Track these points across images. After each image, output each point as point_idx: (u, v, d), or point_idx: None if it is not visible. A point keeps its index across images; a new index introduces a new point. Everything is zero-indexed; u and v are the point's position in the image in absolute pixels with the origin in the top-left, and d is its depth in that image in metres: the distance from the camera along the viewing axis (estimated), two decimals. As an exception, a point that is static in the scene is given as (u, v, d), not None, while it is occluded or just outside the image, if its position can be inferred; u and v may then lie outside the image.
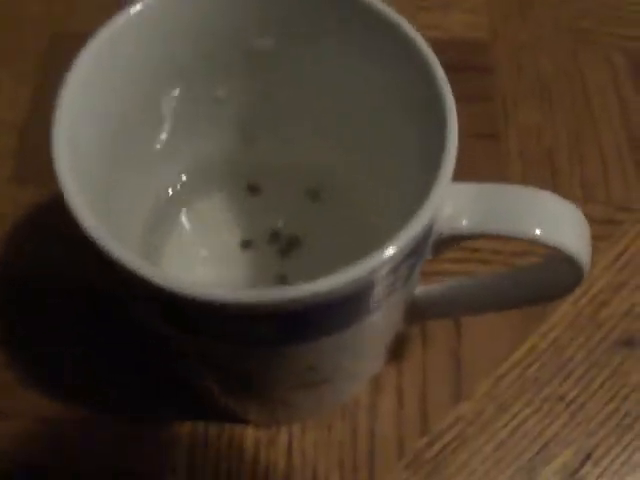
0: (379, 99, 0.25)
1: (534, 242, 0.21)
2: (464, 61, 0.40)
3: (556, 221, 0.21)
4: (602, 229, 0.36)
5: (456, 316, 0.33)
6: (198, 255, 0.31)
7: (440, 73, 0.22)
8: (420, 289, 0.27)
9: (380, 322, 0.24)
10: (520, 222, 0.21)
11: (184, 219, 0.31)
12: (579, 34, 0.42)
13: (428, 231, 0.20)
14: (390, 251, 0.19)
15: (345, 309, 0.21)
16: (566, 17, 0.43)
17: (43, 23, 0.43)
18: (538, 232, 0.21)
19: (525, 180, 0.37)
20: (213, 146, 0.30)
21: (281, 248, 0.31)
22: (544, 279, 0.25)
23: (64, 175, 0.20)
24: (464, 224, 0.21)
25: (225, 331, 0.22)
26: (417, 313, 0.27)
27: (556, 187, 0.37)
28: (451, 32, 0.40)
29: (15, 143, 0.38)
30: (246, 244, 0.31)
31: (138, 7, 0.24)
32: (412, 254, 0.21)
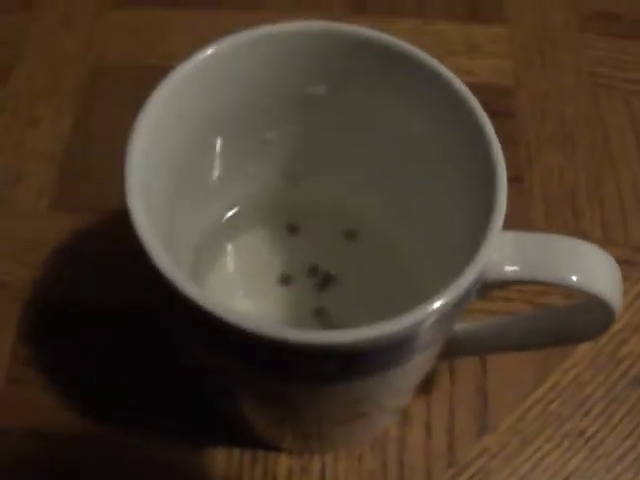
0: (426, 150, 0.27)
1: (573, 289, 0.23)
2: (489, 105, 0.41)
3: (593, 269, 0.23)
4: (621, 270, 0.37)
5: (489, 353, 0.34)
6: (239, 287, 0.32)
7: (489, 128, 0.23)
8: (458, 327, 0.28)
9: (421, 362, 0.25)
10: (561, 270, 0.23)
11: (228, 252, 0.32)
12: (598, 79, 0.44)
13: (477, 280, 0.22)
14: (441, 301, 0.21)
15: (392, 353, 0.23)
16: (585, 63, 0.44)
17: (81, 57, 0.44)
18: (577, 279, 0.23)
19: (549, 221, 0.38)
20: (258, 185, 0.31)
21: (318, 282, 0.32)
22: (577, 321, 0.26)
23: (136, 210, 0.22)
24: (510, 271, 0.22)
25: (277, 366, 0.23)
26: (452, 350, 0.28)
27: (577, 228, 0.38)
28: (476, 76, 0.42)
29: (55, 175, 0.40)
30: (285, 279, 0.32)
31: (200, 57, 0.25)
32: (460, 303, 0.22)
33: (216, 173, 0.29)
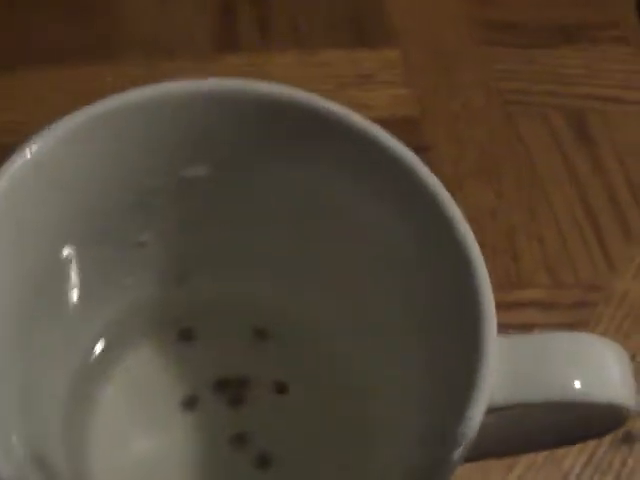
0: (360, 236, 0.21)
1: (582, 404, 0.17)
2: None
3: (600, 372, 0.17)
4: (575, 314, 0.32)
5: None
6: (133, 424, 0.25)
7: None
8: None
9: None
10: (562, 383, 0.17)
11: (111, 386, 0.25)
12: (509, 95, 0.39)
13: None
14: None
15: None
16: (492, 80, 0.40)
17: None
18: (584, 390, 0.17)
19: (490, 271, 0.33)
20: (135, 296, 0.24)
21: (231, 399, 0.26)
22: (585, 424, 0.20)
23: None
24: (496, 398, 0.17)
25: None
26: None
27: (520, 275, 0.33)
28: (375, 110, 0.37)
29: None
30: (189, 402, 0.26)
31: (38, 145, 0.18)
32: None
33: (73, 298, 0.22)
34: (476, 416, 0.16)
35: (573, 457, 0.30)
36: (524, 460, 0.29)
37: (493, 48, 0.40)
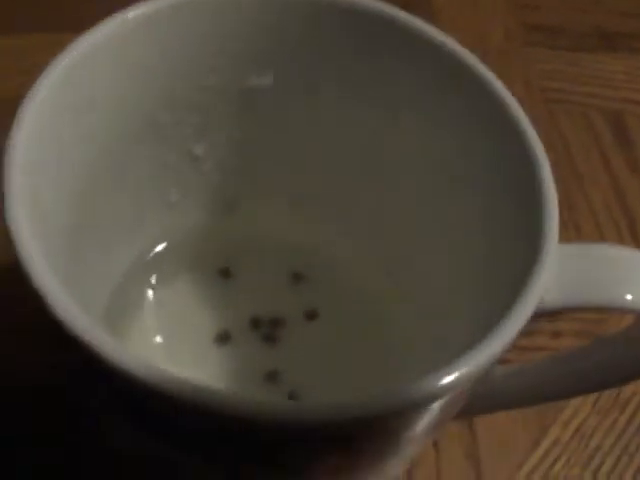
0: (436, 169, 0.21)
1: (628, 311, 0.17)
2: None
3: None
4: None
5: (521, 407, 0.27)
6: (165, 350, 0.25)
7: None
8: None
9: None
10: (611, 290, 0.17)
11: (149, 304, 0.25)
12: (551, 94, 0.39)
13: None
14: (482, 358, 0.15)
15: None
16: (535, 78, 0.40)
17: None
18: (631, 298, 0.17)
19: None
20: (182, 216, 0.24)
21: (264, 336, 0.26)
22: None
23: (27, 250, 0.15)
24: (554, 297, 0.17)
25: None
26: (474, 407, 0.22)
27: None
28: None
29: None
30: (222, 337, 0.26)
31: (105, 29, 0.19)
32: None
33: (130, 196, 0.22)
34: (528, 309, 0.16)
35: (602, 434, 0.29)
36: (551, 435, 0.29)
37: (537, 49, 0.41)
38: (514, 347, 0.29)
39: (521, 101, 0.38)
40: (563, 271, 0.17)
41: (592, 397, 0.30)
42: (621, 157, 0.38)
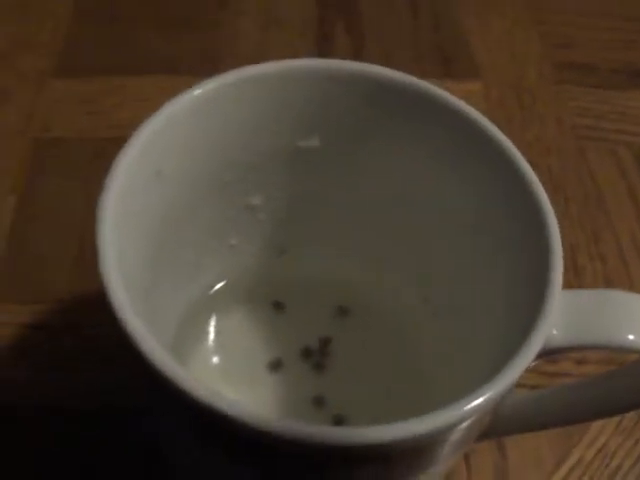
0: (458, 219, 0.24)
1: (628, 350, 0.20)
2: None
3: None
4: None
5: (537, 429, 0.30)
6: (223, 374, 0.29)
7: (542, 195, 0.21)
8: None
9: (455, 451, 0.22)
10: (615, 331, 0.19)
11: (211, 332, 0.28)
12: (581, 131, 0.42)
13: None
14: (503, 382, 0.18)
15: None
16: (566, 115, 0.42)
17: (21, 130, 0.40)
18: (632, 338, 0.20)
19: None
20: (241, 257, 0.28)
21: (313, 366, 0.29)
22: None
23: (115, 289, 0.18)
24: (558, 338, 0.19)
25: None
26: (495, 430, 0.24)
27: (580, 286, 0.36)
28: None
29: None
30: (275, 365, 0.29)
31: (179, 104, 0.22)
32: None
33: (197, 241, 0.25)
34: (534, 349, 0.18)
35: (624, 454, 0.32)
36: (575, 454, 0.31)
37: (568, 87, 0.44)
38: (542, 374, 0.32)
39: (553, 138, 0.41)
40: (567, 315, 0.20)
41: (616, 418, 0.32)
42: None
